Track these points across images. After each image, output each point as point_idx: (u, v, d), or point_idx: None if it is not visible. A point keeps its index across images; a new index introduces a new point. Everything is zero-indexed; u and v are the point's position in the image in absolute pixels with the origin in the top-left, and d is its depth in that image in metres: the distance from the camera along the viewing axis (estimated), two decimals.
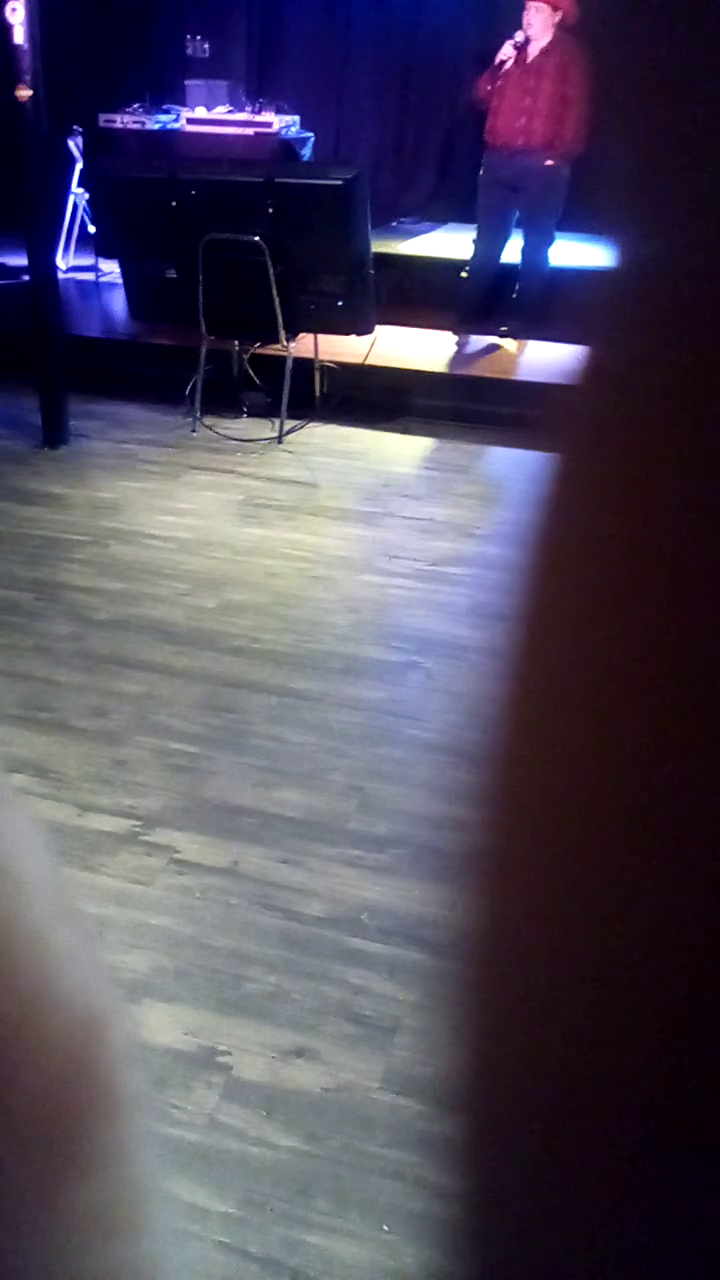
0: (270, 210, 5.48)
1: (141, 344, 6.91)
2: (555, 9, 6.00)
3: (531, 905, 0.22)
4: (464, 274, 6.94)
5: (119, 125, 8.61)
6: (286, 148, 8.38)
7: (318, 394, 6.35)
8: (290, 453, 5.82)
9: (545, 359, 6.49)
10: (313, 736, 3.31)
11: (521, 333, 6.80)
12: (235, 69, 9.44)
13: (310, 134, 8.80)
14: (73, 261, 8.59)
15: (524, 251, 6.63)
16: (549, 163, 6.17)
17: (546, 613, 0.21)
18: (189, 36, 9.41)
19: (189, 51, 9.44)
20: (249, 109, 8.65)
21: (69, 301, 7.24)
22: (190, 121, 8.62)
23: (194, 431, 6.03)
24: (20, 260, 5.89)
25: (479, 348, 6.91)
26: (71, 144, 8.29)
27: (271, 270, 5.55)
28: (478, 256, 6.81)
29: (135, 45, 9.26)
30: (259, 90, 9.41)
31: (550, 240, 6.50)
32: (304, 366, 6.15)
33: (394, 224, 9.16)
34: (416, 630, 3.96)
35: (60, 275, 7.39)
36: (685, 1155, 0.19)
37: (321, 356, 6.24)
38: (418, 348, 6.77)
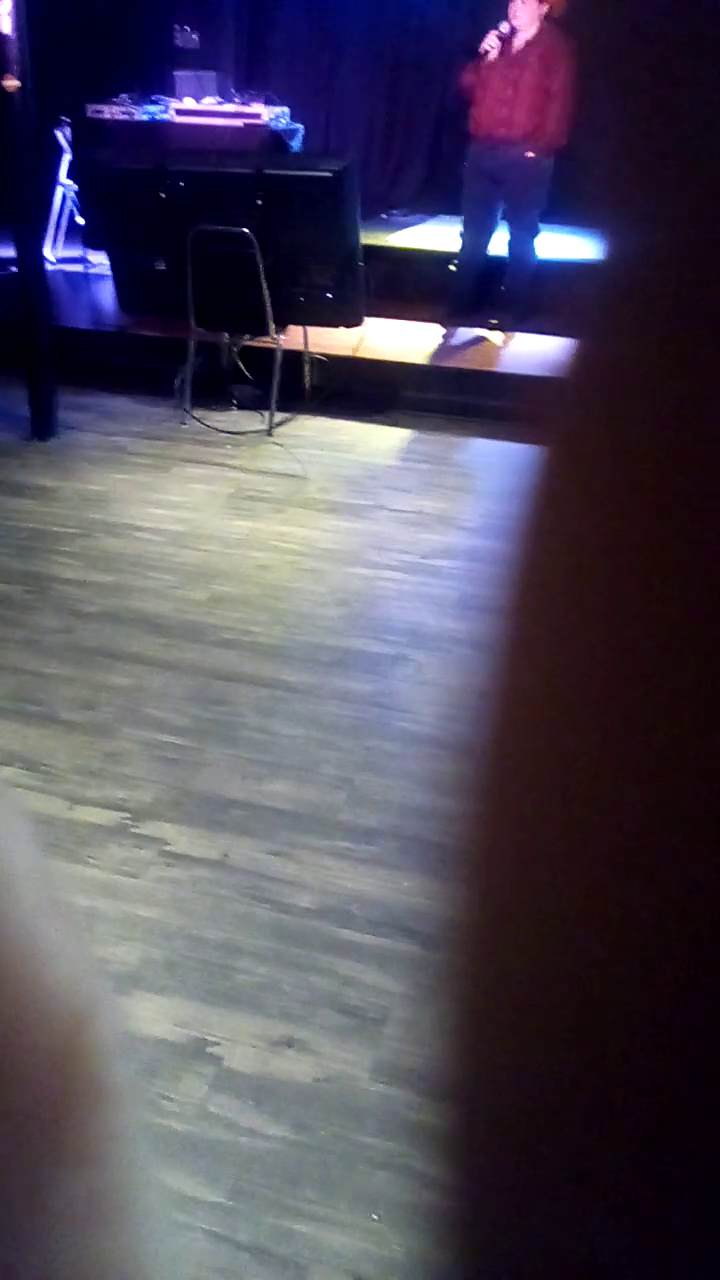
0: (259, 202, 5.46)
1: (130, 336, 6.89)
2: (542, 1, 5.98)
3: (519, 896, 0.22)
4: (452, 267, 6.94)
5: (107, 116, 8.57)
6: (276, 139, 8.35)
7: (307, 386, 6.33)
8: (280, 445, 5.81)
9: (533, 351, 6.48)
10: (302, 729, 3.31)
11: (510, 325, 6.80)
12: (224, 60, 9.40)
13: (300, 125, 8.77)
14: (61, 253, 8.56)
15: (510, 244, 6.63)
16: (530, 155, 6.15)
17: (532, 604, 0.21)
18: (178, 27, 9.37)
19: (178, 42, 9.39)
20: (238, 100, 8.62)
21: (58, 293, 7.21)
22: (179, 112, 8.59)
23: (183, 424, 6.01)
24: (8, 252, 5.87)
25: (468, 340, 6.91)
26: (60, 135, 8.25)
27: (261, 262, 5.54)
28: (465, 249, 6.80)
29: (123, 36, 9.22)
30: (248, 81, 9.39)
31: (535, 232, 6.49)
32: (293, 359, 6.14)
33: (383, 216, 9.14)
34: (406, 623, 3.96)
35: (49, 267, 7.35)
36: (677, 1145, 0.19)
37: (311, 349, 6.23)
38: (407, 340, 6.76)
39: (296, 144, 8.64)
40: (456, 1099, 0.25)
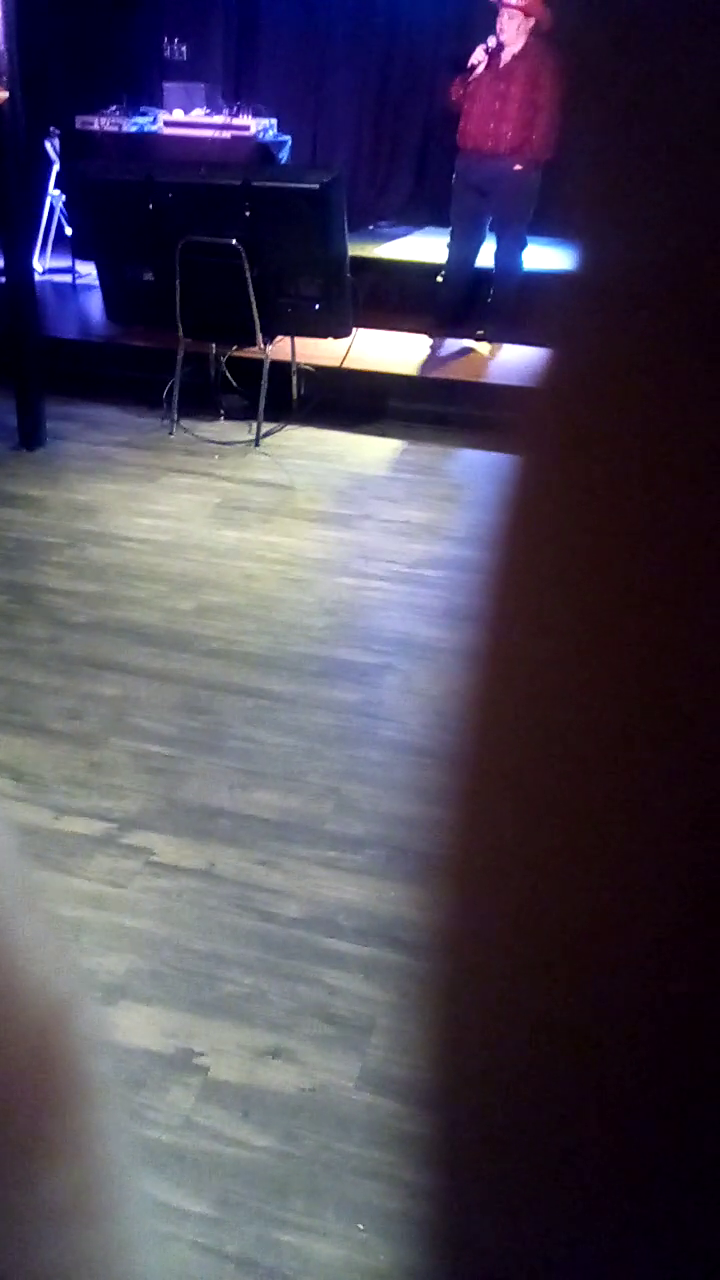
0: (247, 213, 5.46)
1: (119, 346, 6.88)
2: (529, 15, 6.01)
3: (503, 903, 0.22)
4: (440, 278, 6.95)
5: (96, 127, 8.56)
6: (264, 151, 8.35)
7: (295, 397, 6.33)
8: (267, 455, 5.81)
9: (520, 362, 6.47)
10: (289, 738, 3.31)
11: (497, 336, 6.81)
12: (213, 72, 9.40)
13: (287, 137, 8.77)
14: (50, 264, 8.53)
15: (497, 255, 6.64)
16: (518, 168, 6.18)
17: (513, 612, 0.22)
18: (166, 39, 9.37)
19: (166, 54, 9.39)
20: (226, 112, 8.61)
21: (46, 304, 7.19)
22: (167, 124, 8.58)
23: (171, 434, 6.01)
24: None
25: (455, 351, 6.91)
26: (49, 146, 8.24)
27: (249, 273, 5.54)
28: (452, 260, 6.82)
29: (112, 47, 9.21)
30: (236, 93, 9.38)
31: (522, 244, 6.50)
32: (281, 369, 6.13)
33: (371, 227, 9.14)
34: (393, 632, 3.96)
35: (37, 277, 7.34)
36: (660, 1152, 0.19)
37: (299, 359, 6.23)
38: (394, 351, 6.76)
39: (284, 156, 8.64)
40: (441, 1106, 0.25)
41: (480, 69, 6.21)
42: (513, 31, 6.06)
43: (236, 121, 8.39)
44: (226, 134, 8.33)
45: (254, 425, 5.98)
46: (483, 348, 6.86)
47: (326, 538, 4.80)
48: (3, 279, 5.64)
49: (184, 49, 9.34)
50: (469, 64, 6.28)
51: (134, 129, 8.53)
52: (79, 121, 8.50)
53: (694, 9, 0.17)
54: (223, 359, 6.29)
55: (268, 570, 4.44)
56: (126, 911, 2.61)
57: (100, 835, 2.86)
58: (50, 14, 8.11)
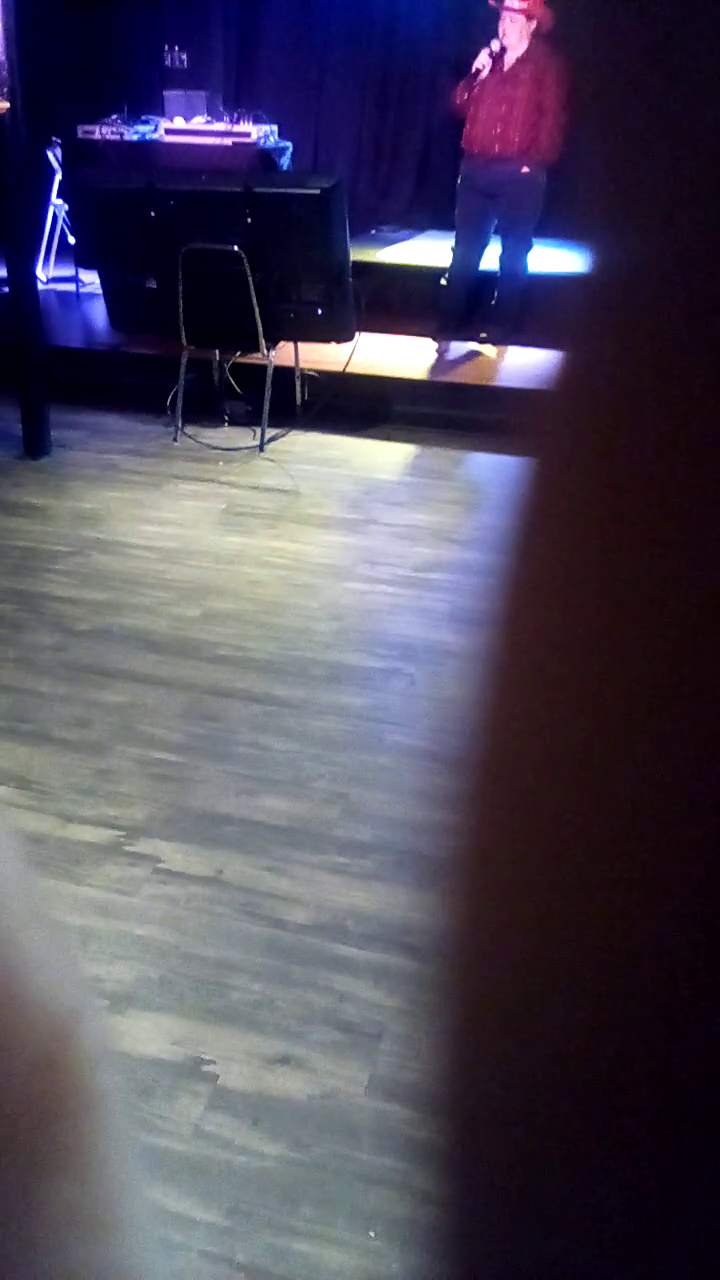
0: (249, 219, 5.48)
1: (122, 354, 6.91)
2: (530, 18, 6.02)
3: (514, 908, 0.22)
4: (443, 281, 6.96)
5: (97, 136, 8.60)
6: (265, 157, 8.39)
7: (299, 402, 6.34)
8: (272, 461, 5.82)
9: (525, 365, 6.50)
10: (296, 744, 3.31)
11: (501, 339, 6.82)
12: (213, 79, 9.44)
13: (288, 143, 8.81)
14: (53, 273, 8.57)
15: (502, 258, 6.65)
16: (525, 170, 6.20)
17: (524, 617, 0.21)
18: (167, 47, 9.41)
19: (167, 62, 9.44)
20: (227, 119, 8.65)
21: (50, 313, 7.22)
22: (169, 132, 8.62)
23: (175, 441, 6.02)
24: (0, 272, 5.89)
25: (459, 354, 6.93)
26: (51, 155, 8.28)
27: (251, 279, 5.55)
28: (456, 263, 6.83)
29: (113, 56, 9.26)
30: (237, 100, 9.42)
31: (528, 247, 6.52)
32: (285, 375, 6.14)
33: (373, 232, 9.17)
34: (399, 636, 3.96)
35: (41, 286, 7.37)
36: (674, 1159, 0.19)
37: (302, 364, 6.25)
38: (398, 355, 6.78)
39: (285, 162, 8.68)
40: (452, 1112, 0.25)
41: (484, 73, 6.23)
42: (515, 35, 6.08)
43: (238, 128, 8.43)
44: (228, 141, 8.37)
45: (258, 431, 5.99)
46: (487, 350, 6.87)
47: (332, 543, 4.80)
48: (6, 288, 5.66)
49: (184, 57, 9.38)
50: (473, 68, 6.30)
51: (135, 137, 8.57)
52: (80, 131, 8.55)
53: (701, 7, 0.17)
54: (226, 365, 6.31)
55: (274, 576, 4.45)
56: (134, 919, 2.61)
57: (108, 843, 2.86)
58: (51, 23, 8.14)
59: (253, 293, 5.59)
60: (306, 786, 3.10)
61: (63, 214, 8.51)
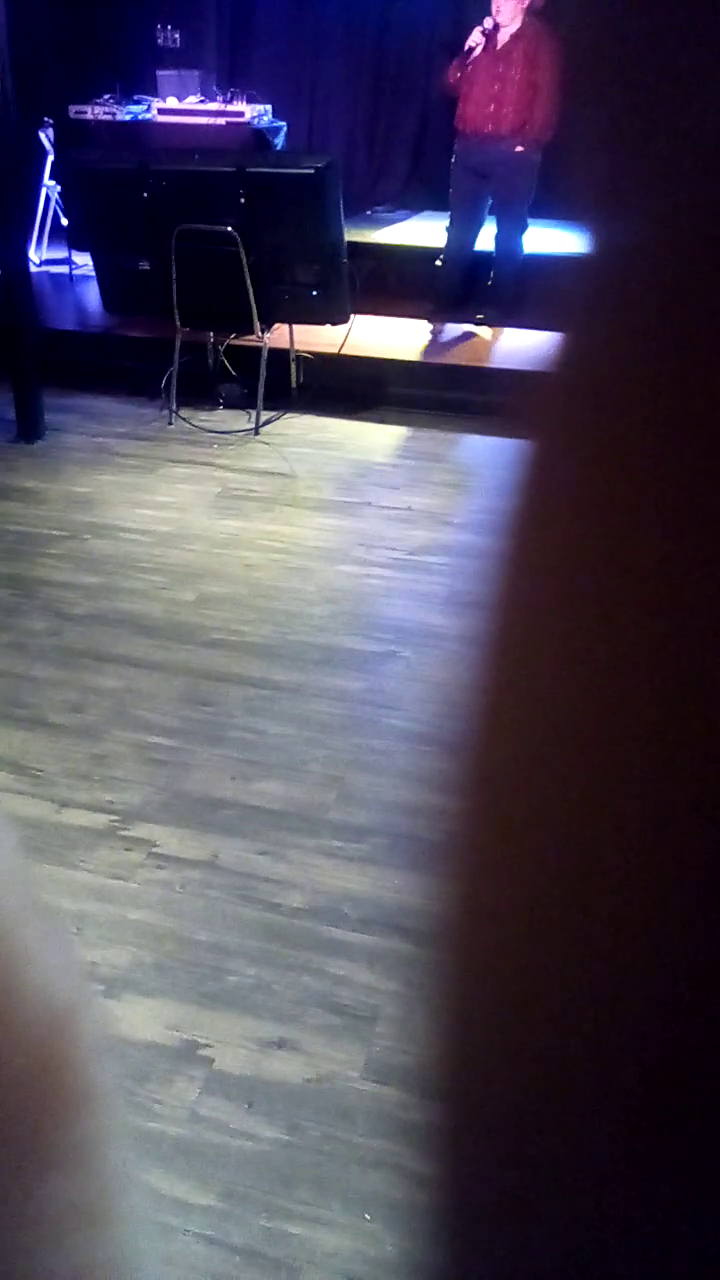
0: (242, 200, 5.45)
1: (116, 337, 6.88)
2: None
3: (509, 890, 0.22)
4: (438, 262, 6.94)
5: (90, 116, 8.55)
6: (259, 137, 8.35)
7: (294, 384, 6.33)
8: (267, 444, 5.81)
9: (521, 346, 6.49)
10: (291, 728, 3.31)
11: (497, 320, 6.81)
12: (206, 59, 9.39)
13: (283, 123, 8.77)
14: (46, 255, 8.54)
15: (497, 238, 6.63)
16: (519, 149, 6.18)
17: (520, 599, 0.21)
18: (159, 26, 9.35)
19: (160, 41, 9.38)
20: (220, 99, 8.60)
21: (43, 295, 7.20)
22: (161, 112, 8.57)
23: (170, 424, 6.01)
24: None
25: (455, 335, 6.91)
26: (43, 136, 8.24)
27: (245, 260, 5.53)
28: (451, 244, 6.82)
29: (105, 36, 9.20)
30: (230, 80, 9.37)
31: (523, 227, 6.50)
32: (279, 357, 6.13)
33: (368, 212, 9.14)
34: (395, 620, 3.96)
35: (34, 269, 7.34)
36: (668, 1142, 0.19)
37: (297, 346, 6.23)
38: (393, 336, 6.76)
39: (280, 142, 8.64)
40: (447, 1095, 0.25)
41: (478, 51, 6.19)
42: (509, 12, 6.05)
43: (231, 108, 8.38)
44: (221, 121, 8.32)
45: (253, 414, 5.98)
46: (483, 332, 6.86)
47: (327, 526, 4.80)
48: None
49: (177, 36, 9.33)
50: (466, 46, 6.27)
51: (128, 117, 8.52)
52: (73, 111, 8.49)
53: None
54: (221, 347, 6.29)
55: (268, 559, 4.44)
56: (129, 904, 2.61)
57: (103, 828, 2.86)
58: (42, 3, 8.09)
59: (247, 274, 5.57)
60: (302, 770, 3.11)
61: (55, 195, 8.47)
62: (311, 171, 5.34)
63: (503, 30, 6.13)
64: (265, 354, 5.91)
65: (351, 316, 5.93)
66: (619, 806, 0.19)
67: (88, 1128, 0.31)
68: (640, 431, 0.18)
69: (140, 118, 8.56)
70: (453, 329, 6.95)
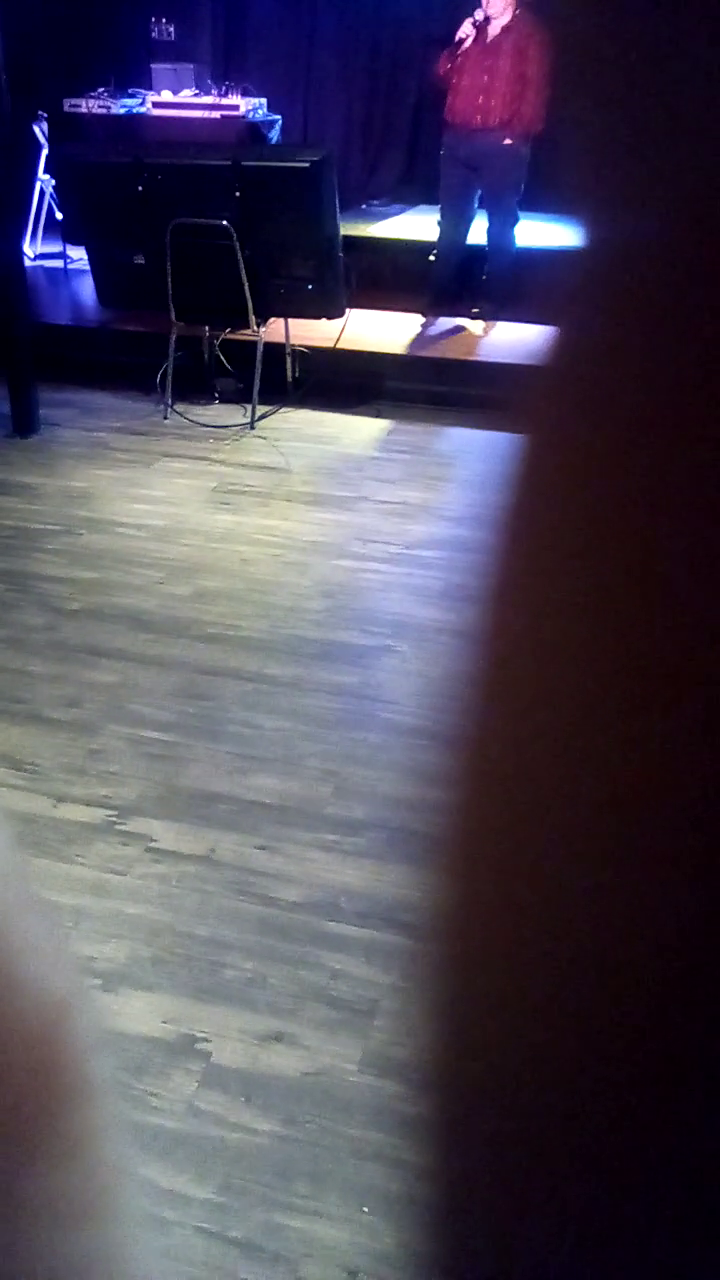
0: (237, 194, 5.44)
1: (111, 331, 6.87)
2: None
3: (505, 883, 0.22)
4: (432, 256, 6.93)
5: (84, 110, 8.53)
6: (254, 131, 8.33)
7: (289, 379, 6.32)
8: (262, 438, 5.80)
9: (516, 340, 6.48)
10: (288, 722, 3.31)
11: (493, 314, 6.79)
12: (201, 52, 9.37)
13: (278, 117, 8.75)
14: (41, 249, 8.51)
15: (489, 232, 6.62)
16: (507, 141, 6.17)
17: (514, 593, 0.21)
18: (154, 20, 9.33)
19: (154, 35, 9.35)
20: (215, 92, 8.59)
21: (38, 289, 7.18)
22: (156, 105, 8.56)
23: (165, 419, 6.00)
24: None
25: (450, 330, 6.90)
26: (37, 129, 8.21)
27: (240, 254, 5.52)
28: (444, 238, 6.80)
29: (100, 29, 9.17)
30: (225, 73, 9.35)
31: (514, 220, 6.49)
32: (275, 351, 6.12)
33: (363, 206, 9.13)
34: (390, 614, 3.96)
35: (29, 263, 7.32)
36: (660, 1133, 0.19)
37: (292, 341, 6.22)
38: (389, 331, 6.75)
39: (274, 135, 8.62)
40: (444, 1088, 0.25)
41: (468, 43, 6.18)
42: (500, 4, 6.05)
43: (226, 102, 8.37)
44: (216, 114, 8.31)
45: (248, 408, 5.97)
46: (477, 326, 6.85)
47: (323, 520, 4.80)
48: None
49: (172, 29, 9.30)
50: (456, 38, 6.25)
51: (122, 111, 8.51)
52: (67, 104, 8.48)
53: None
54: (216, 342, 6.27)
55: (264, 554, 4.44)
56: (126, 898, 2.61)
57: (99, 822, 2.86)
58: None
59: (242, 268, 5.56)
60: (298, 765, 3.11)
61: (50, 189, 8.45)
62: (307, 165, 5.32)
63: (493, 22, 6.12)
64: (261, 348, 5.89)
65: (347, 311, 5.91)
66: (615, 798, 0.19)
67: (84, 1122, 0.31)
68: (634, 426, 0.18)
69: (135, 111, 8.54)
70: (447, 323, 6.94)
